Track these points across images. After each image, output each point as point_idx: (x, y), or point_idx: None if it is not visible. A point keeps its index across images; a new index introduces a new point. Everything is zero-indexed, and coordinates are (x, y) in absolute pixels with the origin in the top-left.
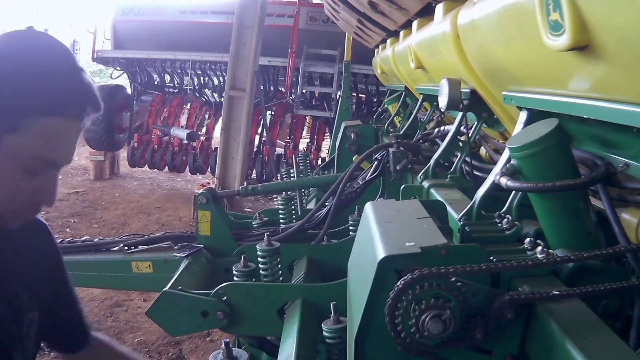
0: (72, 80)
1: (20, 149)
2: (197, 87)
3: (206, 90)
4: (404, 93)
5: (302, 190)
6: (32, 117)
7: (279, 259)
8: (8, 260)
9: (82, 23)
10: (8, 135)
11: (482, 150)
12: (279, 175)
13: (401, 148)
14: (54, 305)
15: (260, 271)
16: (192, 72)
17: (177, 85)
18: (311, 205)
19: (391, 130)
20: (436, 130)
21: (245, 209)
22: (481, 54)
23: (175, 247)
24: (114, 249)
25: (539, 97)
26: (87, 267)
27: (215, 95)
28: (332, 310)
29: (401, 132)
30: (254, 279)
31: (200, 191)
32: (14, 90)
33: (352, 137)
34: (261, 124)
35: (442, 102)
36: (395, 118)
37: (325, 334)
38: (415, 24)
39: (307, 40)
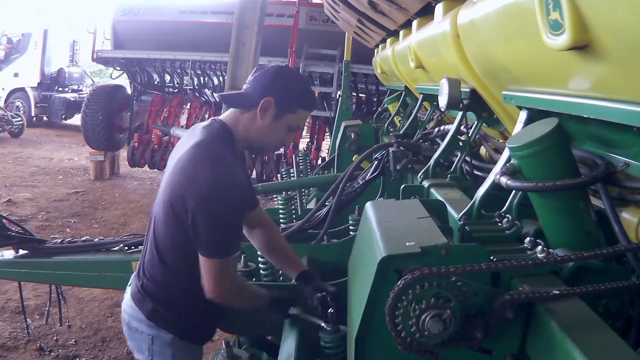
0: (311, 92)
1: (291, 121)
2: (197, 87)
3: (206, 90)
4: (404, 93)
5: (302, 190)
6: (299, 107)
7: None
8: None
9: (82, 23)
10: (289, 114)
11: (482, 150)
12: (279, 175)
13: (401, 148)
14: None
15: (261, 271)
16: (192, 72)
17: (177, 85)
18: (311, 205)
19: (391, 129)
20: (436, 129)
21: None
22: (481, 53)
23: None
24: (114, 249)
25: (539, 97)
26: (87, 267)
27: (215, 95)
28: (330, 318)
29: (401, 132)
30: (254, 279)
31: None
32: (296, 91)
33: (352, 136)
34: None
35: (442, 101)
36: (395, 118)
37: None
38: (415, 23)
39: (307, 40)
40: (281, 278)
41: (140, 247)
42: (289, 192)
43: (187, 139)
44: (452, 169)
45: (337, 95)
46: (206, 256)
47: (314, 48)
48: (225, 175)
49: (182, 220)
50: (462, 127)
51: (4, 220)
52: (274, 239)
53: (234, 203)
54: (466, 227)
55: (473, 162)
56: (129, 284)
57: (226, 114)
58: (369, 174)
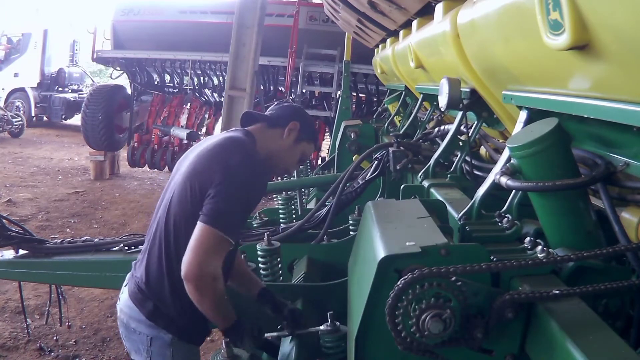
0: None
1: (305, 149)
2: (197, 87)
3: (206, 90)
4: (403, 92)
5: (302, 190)
6: (312, 141)
7: (279, 259)
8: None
9: (82, 23)
10: (306, 142)
11: (482, 150)
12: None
13: (401, 147)
14: None
15: (261, 271)
16: (192, 72)
17: (177, 85)
18: (311, 205)
19: (391, 129)
20: (436, 129)
21: None
22: (481, 53)
23: None
24: (114, 249)
25: (539, 97)
26: (87, 267)
27: (215, 95)
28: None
29: (401, 132)
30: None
31: None
32: (313, 127)
33: (352, 136)
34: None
35: (442, 101)
36: (395, 117)
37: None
38: (415, 23)
39: (307, 40)
40: (281, 278)
41: (141, 247)
42: (289, 192)
43: (207, 140)
44: (452, 169)
45: (337, 95)
46: (208, 223)
47: (314, 48)
48: (255, 164)
49: (200, 200)
50: (462, 127)
51: (4, 220)
52: (236, 260)
53: (254, 188)
54: (466, 227)
55: (473, 162)
56: (124, 284)
57: (254, 126)
58: (369, 174)
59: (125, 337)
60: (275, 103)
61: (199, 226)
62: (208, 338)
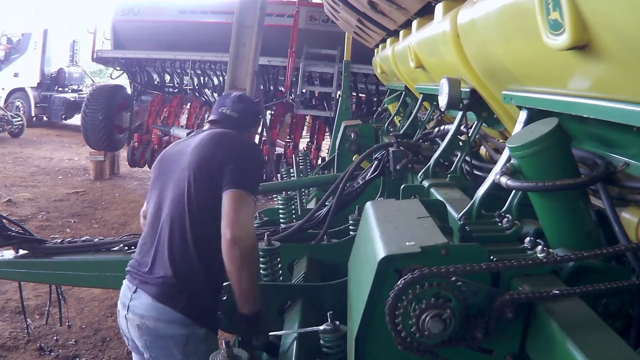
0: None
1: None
2: (197, 87)
3: (206, 90)
4: (403, 92)
5: (302, 190)
6: (255, 127)
7: (279, 259)
8: None
9: (82, 23)
10: (253, 128)
11: (482, 150)
12: (279, 175)
13: (401, 147)
14: None
15: (261, 271)
16: (192, 72)
17: (177, 85)
18: (311, 205)
19: (391, 129)
20: (436, 129)
21: None
22: (481, 53)
23: None
24: (114, 249)
25: (539, 97)
26: (87, 267)
27: (215, 95)
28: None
29: (401, 132)
30: None
31: None
32: (257, 114)
33: (352, 136)
34: (261, 123)
35: (442, 101)
36: (395, 117)
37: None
38: (415, 23)
39: (307, 40)
40: (281, 278)
41: None
42: (289, 192)
43: (195, 135)
44: (452, 169)
45: (337, 95)
46: (235, 187)
47: (314, 48)
48: (257, 146)
49: (217, 175)
50: (462, 127)
51: (4, 220)
52: None
53: (258, 151)
54: (466, 227)
55: (473, 162)
56: (132, 290)
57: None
58: (369, 174)
59: (151, 344)
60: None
61: (227, 194)
62: None
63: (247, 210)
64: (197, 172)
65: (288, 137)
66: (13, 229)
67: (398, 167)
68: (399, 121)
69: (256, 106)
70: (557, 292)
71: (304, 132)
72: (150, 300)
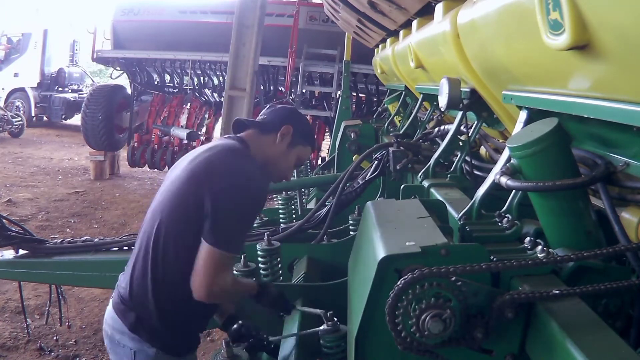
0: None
1: (300, 153)
2: (197, 87)
3: (206, 90)
4: (403, 92)
5: (302, 190)
6: (308, 144)
7: (279, 259)
8: None
9: (82, 23)
10: (300, 146)
11: (482, 150)
12: None
13: (401, 147)
14: None
15: (261, 271)
16: (192, 72)
17: (177, 85)
18: (311, 205)
19: (391, 129)
20: (436, 129)
21: None
22: (481, 53)
23: None
24: (114, 249)
25: (539, 97)
26: (87, 267)
27: (215, 95)
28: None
29: (401, 132)
30: (254, 279)
31: None
32: (307, 129)
33: (352, 136)
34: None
35: (442, 101)
36: (395, 117)
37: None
38: (415, 23)
39: (307, 40)
40: (281, 278)
41: None
42: (289, 192)
43: (199, 151)
44: (452, 169)
45: (337, 95)
46: (213, 245)
47: (314, 48)
48: (256, 173)
49: (197, 214)
50: (462, 127)
51: (4, 220)
52: None
53: (254, 200)
54: (466, 227)
55: (473, 162)
56: (111, 296)
57: (246, 133)
58: (369, 174)
59: (111, 349)
60: (268, 106)
61: (205, 247)
62: (208, 338)
63: (220, 270)
64: (175, 200)
65: None
66: (13, 229)
67: (398, 167)
68: (399, 121)
69: (287, 111)
70: (557, 292)
71: None
72: (110, 308)
